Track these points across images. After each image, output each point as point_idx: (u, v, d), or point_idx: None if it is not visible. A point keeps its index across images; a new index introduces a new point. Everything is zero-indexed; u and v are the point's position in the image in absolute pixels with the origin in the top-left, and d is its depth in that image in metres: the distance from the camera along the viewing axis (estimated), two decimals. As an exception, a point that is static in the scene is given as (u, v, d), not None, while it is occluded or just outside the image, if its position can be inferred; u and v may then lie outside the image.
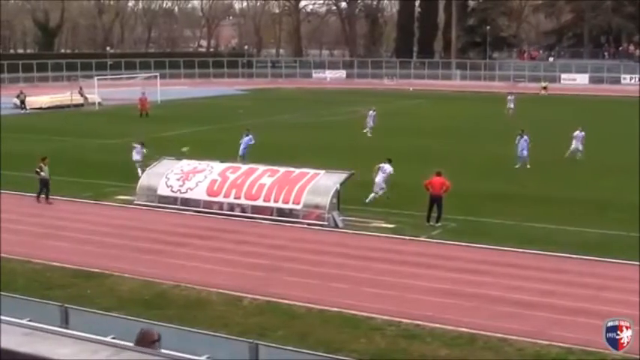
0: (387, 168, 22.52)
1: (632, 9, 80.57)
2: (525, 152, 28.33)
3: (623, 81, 74.11)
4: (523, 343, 12.36)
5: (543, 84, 65.93)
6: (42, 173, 22.29)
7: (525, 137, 28.54)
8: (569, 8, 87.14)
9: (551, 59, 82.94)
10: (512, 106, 48.04)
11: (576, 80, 74.57)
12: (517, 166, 28.24)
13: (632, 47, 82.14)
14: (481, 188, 24.55)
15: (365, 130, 37.57)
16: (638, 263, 16.21)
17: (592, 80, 74.59)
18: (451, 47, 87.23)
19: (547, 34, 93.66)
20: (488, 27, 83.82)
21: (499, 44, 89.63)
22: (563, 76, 75.47)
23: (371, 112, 38.49)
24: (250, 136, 28.89)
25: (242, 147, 28.25)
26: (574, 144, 30.27)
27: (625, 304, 13.70)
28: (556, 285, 15.26)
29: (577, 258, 17.06)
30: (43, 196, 22.38)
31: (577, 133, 30.48)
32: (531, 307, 14.04)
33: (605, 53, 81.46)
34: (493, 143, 34.64)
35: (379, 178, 22.33)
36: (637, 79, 72.78)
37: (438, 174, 20.63)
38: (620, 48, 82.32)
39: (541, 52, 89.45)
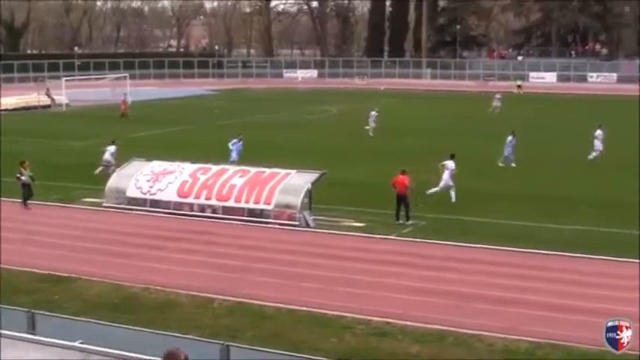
0: (451, 164, 22.35)
1: (598, 8, 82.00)
2: (510, 151, 28.42)
3: (589, 79, 75.34)
4: (493, 338, 12.48)
5: (518, 82, 66.11)
6: (22, 178, 22.01)
7: (512, 138, 28.61)
8: (538, 7, 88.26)
9: (520, 58, 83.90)
10: (499, 104, 48.09)
11: (544, 79, 75.59)
12: (508, 165, 28.26)
13: (598, 46, 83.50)
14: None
15: (368, 129, 36.93)
16: (613, 259, 16.52)
17: (560, 78, 75.71)
18: (421, 46, 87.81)
19: (516, 33, 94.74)
20: (458, 26, 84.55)
21: (469, 43, 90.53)
22: (531, 74, 76.41)
23: (373, 112, 37.60)
24: (241, 142, 28.02)
25: (235, 153, 27.38)
26: (596, 144, 29.54)
27: (607, 299, 13.88)
28: (531, 281, 15.37)
29: (554, 254, 17.04)
30: (28, 201, 22.08)
31: (598, 132, 30.00)
32: (505, 303, 14.15)
33: (572, 52, 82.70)
34: (467, 141, 34.85)
35: (446, 175, 22.18)
36: (603, 78, 74.05)
37: (403, 172, 20.69)
38: (587, 47, 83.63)
39: (510, 50, 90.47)
